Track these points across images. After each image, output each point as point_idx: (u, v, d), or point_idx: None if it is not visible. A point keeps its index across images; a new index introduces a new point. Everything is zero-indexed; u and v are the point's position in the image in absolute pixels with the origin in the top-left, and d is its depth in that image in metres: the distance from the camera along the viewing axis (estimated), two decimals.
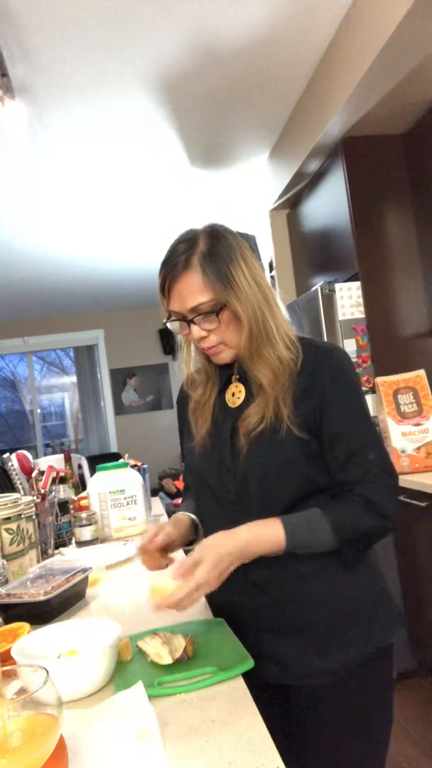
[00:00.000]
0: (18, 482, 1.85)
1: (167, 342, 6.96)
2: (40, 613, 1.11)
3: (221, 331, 1.04)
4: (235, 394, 1.10)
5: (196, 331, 1.04)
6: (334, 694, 1.02)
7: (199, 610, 1.11)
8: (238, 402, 1.08)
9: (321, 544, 0.97)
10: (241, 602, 1.07)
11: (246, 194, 3.86)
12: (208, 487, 1.09)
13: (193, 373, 1.17)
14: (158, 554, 1.06)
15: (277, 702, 1.06)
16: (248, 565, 0.98)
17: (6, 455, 1.91)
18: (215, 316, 1.02)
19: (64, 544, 1.85)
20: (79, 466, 2.45)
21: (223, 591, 1.17)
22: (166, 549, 1.08)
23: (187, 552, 1.12)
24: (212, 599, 1.11)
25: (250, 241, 3.66)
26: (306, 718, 1.03)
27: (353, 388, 1.04)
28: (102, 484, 1.81)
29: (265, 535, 0.95)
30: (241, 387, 1.09)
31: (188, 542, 1.15)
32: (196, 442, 1.12)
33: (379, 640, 1.04)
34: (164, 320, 1.09)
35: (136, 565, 1.47)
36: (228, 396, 1.11)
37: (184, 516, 1.16)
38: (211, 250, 1.02)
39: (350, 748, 1.02)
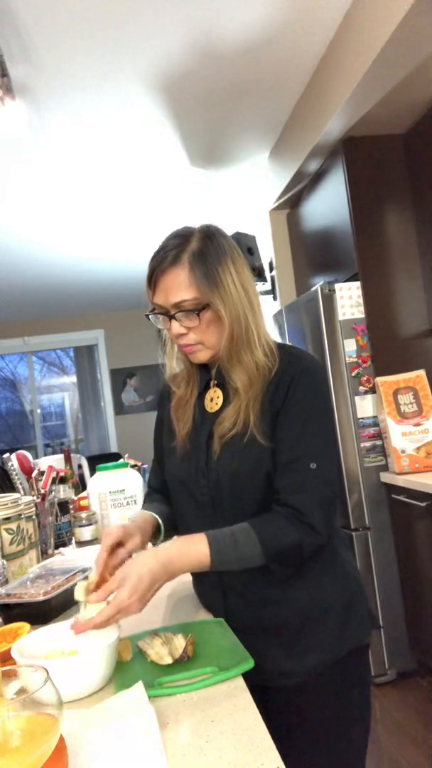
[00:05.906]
0: (18, 482, 1.85)
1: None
2: (40, 613, 1.11)
3: (201, 331, 1.04)
4: (214, 399, 1.10)
5: (176, 327, 1.04)
6: (309, 694, 1.02)
7: (199, 611, 1.11)
8: (216, 407, 1.09)
9: (248, 559, 0.95)
10: (216, 603, 1.08)
11: (246, 194, 3.85)
12: (186, 490, 1.10)
13: (175, 368, 1.18)
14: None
15: (254, 702, 1.07)
16: None
17: (6, 455, 1.91)
18: (196, 315, 1.02)
19: (64, 544, 1.85)
20: (79, 466, 2.45)
21: (197, 592, 1.17)
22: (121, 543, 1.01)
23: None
24: None
25: (250, 241, 3.65)
26: (282, 718, 1.03)
27: (311, 396, 1.02)
28: (102, 484, 1.81)
29: (188, 551, 0.94)
30: (219, 392, 1.10)
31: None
32: (177, 443, 1.12)
33: (352, 642, 1.04)
34: (147, 312, 1.09)
35: None
36: (207, 401, 1.11)
37: (149, 514, 1.11)
38: (202, 249, 1.02)
39: (327, 748, 1.03)
